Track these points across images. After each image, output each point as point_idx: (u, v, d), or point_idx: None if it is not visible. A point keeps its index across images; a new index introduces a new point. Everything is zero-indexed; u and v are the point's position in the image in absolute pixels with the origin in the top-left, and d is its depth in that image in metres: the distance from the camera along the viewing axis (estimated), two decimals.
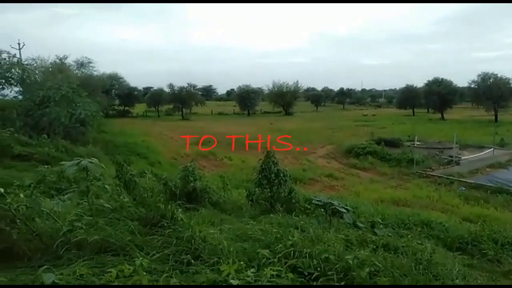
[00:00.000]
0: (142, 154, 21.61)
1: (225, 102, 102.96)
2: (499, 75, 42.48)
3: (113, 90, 55.69)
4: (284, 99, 62.76)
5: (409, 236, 5.68)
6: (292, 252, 3.51)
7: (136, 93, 59.49)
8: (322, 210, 6.72)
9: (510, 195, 13.85)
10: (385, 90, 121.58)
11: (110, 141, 24.13)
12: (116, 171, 7.26)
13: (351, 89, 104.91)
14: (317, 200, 6.44)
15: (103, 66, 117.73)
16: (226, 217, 6.86)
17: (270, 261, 3.35)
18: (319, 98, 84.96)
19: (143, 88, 73.16)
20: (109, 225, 3.53)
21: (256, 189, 8.16)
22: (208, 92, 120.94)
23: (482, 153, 21.48)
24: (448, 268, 4.46)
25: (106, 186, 3.87)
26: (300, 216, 6.81)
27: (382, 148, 22.13)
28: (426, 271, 4.09)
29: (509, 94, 42.15)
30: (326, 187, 15.62)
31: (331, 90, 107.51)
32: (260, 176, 8.13)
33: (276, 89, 64.12)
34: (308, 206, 7.52)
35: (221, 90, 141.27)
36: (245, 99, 60.87)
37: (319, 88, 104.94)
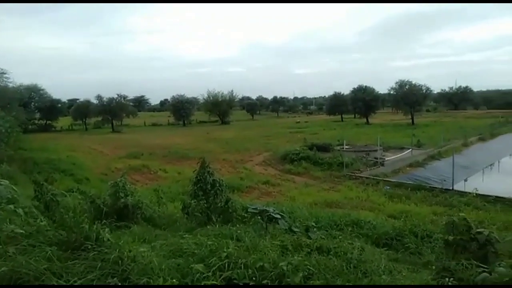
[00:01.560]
0: (67, 171, 20.03)
1: (159, 112, 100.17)
2: (413, 82, 47.08)
3: (33, 103, 51.05)
4: (220, 108, 62.79)
5: (340, 237, 5.93)
6: (227, 264, 3.45)
7: (59, 105, 55.13)
8: (259, 217, 6.76)
9: (427, 191, 15.25)
10: (315, 98, 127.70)
11: (29, 158, 22.03)
12: (35, 191, 6.61)
13: (284, 98, 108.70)
14: (253, 208, 6.48)
15: (20, 78, 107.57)
16: (160, 233, 6.58)
17: (204, 275, 3.26)
18: (254, 106, 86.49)
19: (68, 100, 68.40)
20: (21, 253, 3.16)
21: (192, 201, 7.97)
22: (140, 103, 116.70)
23: (403, 153, 23.44)
24: (376, 264, 4.74)
25: (18, 210, 3.47)
26: (237, 226, 6.77)
27: (314, 153, 23.07)
28: (356, 269, 4.30)
29: (422, 99, 46.88)
30: (264, 194, 15.82)
31: (265, 98, 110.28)
32: (195, 187, 7.96)
33: (211, 98, 63.93)
34: (245, 215, 7.52)
35: (155, 100, 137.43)
36: (180, 109, 59.72)
37: (254, 97, 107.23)
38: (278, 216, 6.29)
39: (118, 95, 53.85)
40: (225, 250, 3.77)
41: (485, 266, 4.39)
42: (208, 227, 6.67)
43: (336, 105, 59.34)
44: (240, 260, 3.59)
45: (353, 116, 59.51)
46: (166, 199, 10.59)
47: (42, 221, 4.33)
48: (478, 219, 10.22)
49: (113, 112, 51.71)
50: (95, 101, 53.60)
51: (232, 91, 65.69)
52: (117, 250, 3.39)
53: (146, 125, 61.00)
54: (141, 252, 3.66)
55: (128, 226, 6.69)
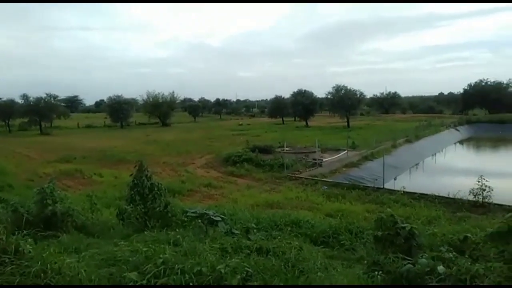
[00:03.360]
0: None
1: (95, 114, 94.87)
2: (349, 88, 49.79)
3: None
4: (161, 110, 61.00)
5: (279, 237, 6.04)
6: (162, 270, 3.35)
7: None
8: (199, 221, 6.67)
9: (361, 190, 16.17)
10: (257, 101, 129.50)
11: None
12: None
13: (227, 100, 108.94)
14: (192, 212, 6.36)
15: None
16: (93, 241, 6.21)
17: (138, 283, 3.12)
18: (196, 108, 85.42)
19: None
20: None
21: (128, 206, 7.63)
22: (73, 103, 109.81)
23: (339, 155, 24.63)
24: (313, 262, 4.90)
25: None
26: (177, 230, 6.61)
27: (256, 155, 23.35)
28: (294, 268, 4.41)
29: (357, 104, 49.78)
30: (205, 197, 15.64)
31: (208, 100, 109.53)
32: (132, 192, 7.63)
33: (151, 99, 61.89)
34: (185, 219, 7.36)
35: (90, 101, 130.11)
36: (117, 110, 56.99)
37: (196, 98, 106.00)
38: (219, 219, 6.25)
39: (47, 94, 50.02)
40: (161, 256, 3.66)
41: (410, 259, 4.75)
42: (145, 232, 6.42)
43: (277, 108, 60.77)
44: (177, 265, 3.50)
45: (293, 119, 61.33)
46: (100, 205, 10.01)
47: None
48: (405, 214, 11.02)
49: (41, 113, 47.82)
50: (20, 101, 49.23)
51: (173, 92, 64.31)
52: (40, 263, 3.12)
53: (80, 127, 57.34)
54: (68, 263, 3.41)
55: (57, 236, 6.22)
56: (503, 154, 35.49)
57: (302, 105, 53.29)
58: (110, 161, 24.43)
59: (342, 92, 49.17)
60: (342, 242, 7.31)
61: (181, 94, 74.82)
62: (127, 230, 7.13)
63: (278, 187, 17.45)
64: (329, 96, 51.25)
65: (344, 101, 47.62)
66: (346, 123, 48.31)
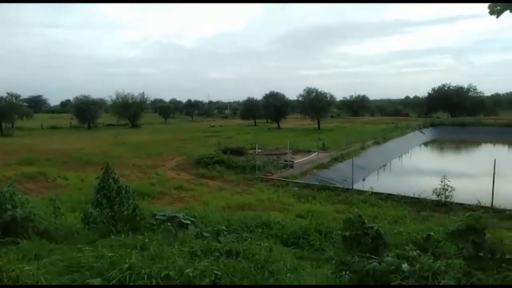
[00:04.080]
0: None
1: (60, 114, 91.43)
2: (319, 90, 50.67)
3: None
4: (130, 110, 59.55)
5: (249, 239, 6.04)
6: (128, 276, 3.26)
7: None
8: (169, 224, 6.55)
9: (331, 190, 16.45)
10: (230, 102, 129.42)
11: None
12: None
13: (198, 101, 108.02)
14: (162, 215, 6.24)
15: None
16: (55, 247, 5.97)
17: None
18: (167, 109, 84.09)
19: None
20: None
21: (94, 210, 7.38)
22: (37, 103, 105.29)
23: (310, 156, 24.99)
24: (283, 263, 4.93)
25: None
26: (145, 234, 6.47)
27: (228, 156, 23.24)
28: (263, 269, 4.43)
29: (327, 106, 50.74)
30: (176, 200, 15.39)
31: (179, 101, 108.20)
32: (98, 195, 7.39)
33: (120, 100, 60.31)
34: (154, 222, 7.22)
35: (55, 101, 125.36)
36: (84, 111, 55.10)
37: (167, 99, 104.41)
38: (188, 222, 6.17)
39: (8, 93, 47.63)
40: (127, 261, 3.56)
41: (376, 257, 4.88)
42: (112, 237, 6.25)
43: (249, 109, 60.94)
44: (143, 270, 3.42)
45: (265, 120, 61.67)
46: (65, 209, 9.61)
47: None
48: (373, 214, 11.33)
49: (2, 113, 45.48)
50: None
51: (143, 92, 63.00)
52: None
53: (44, 128, 54.96)
54: (27, 270, 3.26)
55: (16, 242, 5.93)
56: (464, 155, 37.31)
57: (274, 107, 53.69)
58: (76, 164, 23.55)
59: (313, 94, 49.97)
60: (312, 242, 7.39)
61: (151, 95, 73.48)
62: (93, 235, 6.90)
63: (249, 189, 17.45)
64: (300, 99, 51.95)
65: (315, 104, 48.42)
66: (317, 125, 49.10)
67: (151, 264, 3.67)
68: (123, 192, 7.36)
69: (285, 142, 26.23)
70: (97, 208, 7.33)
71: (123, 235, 6.11)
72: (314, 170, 21.73)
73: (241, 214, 10.83)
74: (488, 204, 12.94)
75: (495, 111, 69.07)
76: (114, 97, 60.78)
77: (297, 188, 17.07)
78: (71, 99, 65.44)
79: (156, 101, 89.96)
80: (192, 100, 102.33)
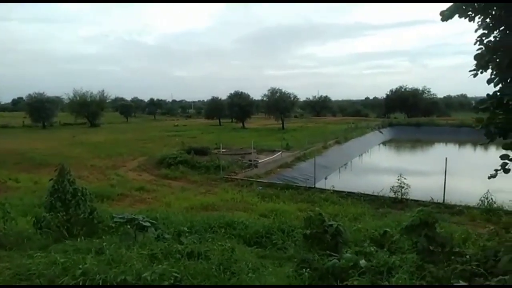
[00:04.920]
0: None
1: (12, 113, 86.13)
2: (283, 90, 51.27)
3: None
4: (89, 109, 57.11)
5: (211, 240, 5.99)
6: (81, 282, 3.11)
7: None
8: (128, 227, 6.36)
9: (294, 189, 16.70)
10: (194, 102, 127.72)
11: None
12: None
13: (162, 100, 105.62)
14: (120, 217, 6.04)
15: None
16: (4, 254, 5.60)
17: None
18: (129, 108, 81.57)
19: None
20: None
21: (48, 214, 7.01)
22: None
23: (274, 156, 25.20)
24: (245, 263, 4.93)
25: None
26: (104, 237, 6.24)
27: (192, 157, 22.93)
28: (225, 270, 4.40)
29: (291, 106, 51.49)
30: (137, 201, 14.97)
31: (141, 100, 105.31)
32: (52, 198, 7.03)
33: (78, 98, 57.69)
34: (113, 225, 6.97)
35: (6, 99, 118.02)
36: (39, 109, 52.21)
37: (129, 98, 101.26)
38: (148, 224, 6.01)
39: None
40: (81, 266, 3.41)
41: (336, 254, 5.00)
42: (66, 241, 5.96)
43: (214, 109, 60.44)
44: (98, 275, 3.28)
45: (230, 120, 61.46)
46: (15, 213, 9.04)
47: None
48: (334, 212, 11.63)
49: None
50: None
51: (103, 90, 60.61)
52: None
53: None
54: None
55: None
56: (419, 154, 39.22)
57: (239, 106, 53.61)
58: (29, 165, 22.30)
59: (277, 95, 50.46)
60: (274, 241, 7.46)
61: (112, 93, 70.97)
62: (45, 240, 6.56)
63: (213, 189, 17.33)
64: (265, 99, 52.28)
65: (279, 104, 48.94)
66: (281, 125, 49.63)
67: (107, 268, 3.54)
68: (79, 194, 7.05)
69: (250, 141, 26.30)
70: (51, 212, 6.98)
71: (78, 239, 5.84)
72: (278, 170, 21.96)
73: (205, 214, 10.73)
74: (441, 200, 13.69)
75: (447, 112, 73.24)
76: (71, 95, 58.11)
77: (261, 188, 17.17)
78: (24, 96, 61.88)
79: (117, 100, 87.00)
80: (155, 99, 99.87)
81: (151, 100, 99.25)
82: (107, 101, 64.83)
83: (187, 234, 6.60)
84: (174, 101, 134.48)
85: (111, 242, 5.47)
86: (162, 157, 23.30)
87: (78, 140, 35.61)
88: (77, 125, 57.13)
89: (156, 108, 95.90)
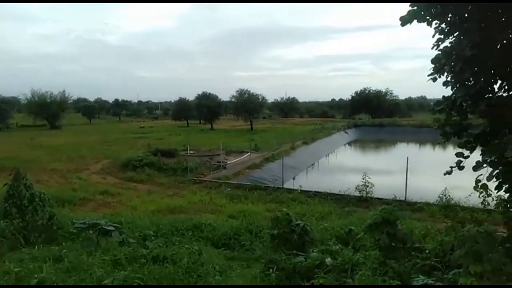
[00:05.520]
0: None
1: None
2: (252, 92, 51.48)
3: None
4: (49, 110, 54.60)
5: (178, 243, 5.88)
6: None
7: None
8: (91, 232, 6.12)
9: (262, 190, 16.75)
10: (161, 103, 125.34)
11: None
12: None
13: (127, 101, 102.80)
14: (81, 223, 5.80)
15: None
16: None
17: None
18: (92, 109, 78.82)
19: None
20: None
21: (2, 221, 6.62)
22: None
23: (242, 157, 25.19)
24: (212, 266, 4.88)
25: None
26: (64, 244, 5.97)
27: (158, 159, 22.46)
28: (191, 273, 4.34)
29: (259, 108, 51.82)
30: (100, 205, 14.44)
31: (105, 101, 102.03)
32: (7, 204, 6.64)
33: (36, 99, 55.01)
34: (74, 231, 6.69)
35: None
36: None
37: (92, 99, 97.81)
38: (112, 228, 5.81)
39: None
40: (36, 276, 3.23)
41: (303, 253, 5.06)
42: (23, 250, 5.65)
43: (181, 110, 59.60)
44: (56, 284, 3.13)
45: (198, 121, 60.84)
46: None
47: None
48: (302, 212, 11.78)
49: None
50: None
51: (64, 91, 58.17)
52: None
53: None
54: None
55: None
56: (382, 153, 40.62)
57: (207, 107, 53.20)
58: None
59: (246, 96, 50.59)
60: (242, 243, 7.44)
61: (74, 94, 68.42)
62: (1, 249, 6.18)
63: (181, 191, 17.05)
64: (233, 100, 52.25)
65: (247, 105, 49.07)
66: (250, 126, 49.75)
67: (66, 277, 3.38)
68: (37, 199, 6.70)
69: (218, 143, 26.15)
70: (6, 219, 6.59)
71: (36, 247, 5.55)
72: (247, 171, 21.94)
73: (172, 217, 10.53)
74: (403, 198, 14.22)
75: (408, 113, 76.43)
76: (29, 95, 55.38)
77: (229, 189, 17.08)
78: None
79: (79, 101, 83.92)
80: (120, 100, 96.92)
81: (116, 101, 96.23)
82: (69, 101, 62.46)
83: (153, 238, 6.44)
84: (140, 102, 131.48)
85: (72, 249, 5.26)
86: (128, 160, 22.65)
87: (37, 142, 33.95)
88: (36, 127, 54.48)
89: (121, 109, 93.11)
